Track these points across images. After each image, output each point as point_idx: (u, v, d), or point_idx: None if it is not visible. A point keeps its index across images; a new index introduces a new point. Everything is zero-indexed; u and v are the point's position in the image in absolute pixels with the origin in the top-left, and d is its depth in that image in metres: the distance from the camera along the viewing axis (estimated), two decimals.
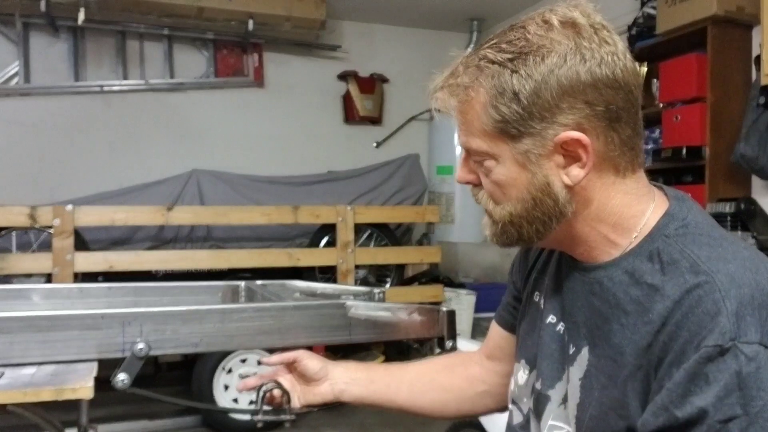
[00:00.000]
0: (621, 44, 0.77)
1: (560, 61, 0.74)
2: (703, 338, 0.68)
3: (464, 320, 4.10)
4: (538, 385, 0.91)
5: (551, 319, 0.90)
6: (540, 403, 0.90)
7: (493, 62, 0.76)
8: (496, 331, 1.10)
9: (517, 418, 0.97)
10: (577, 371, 0.83)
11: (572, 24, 0.75)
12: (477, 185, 0.84)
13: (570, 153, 0.77)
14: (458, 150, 5.20)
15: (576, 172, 0.78)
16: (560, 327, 0.89)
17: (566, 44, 0.74)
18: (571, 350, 0.85)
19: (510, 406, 1.00)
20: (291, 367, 1.14)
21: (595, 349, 0.81)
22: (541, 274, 0.97)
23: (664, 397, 0.70)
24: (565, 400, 0.86)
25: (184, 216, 3.72)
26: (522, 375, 0.96)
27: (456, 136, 5.12)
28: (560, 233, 0.82)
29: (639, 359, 0.75)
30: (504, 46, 0.76)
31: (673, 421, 0.69)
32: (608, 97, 0.75)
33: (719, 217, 3.04)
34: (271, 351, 1.20)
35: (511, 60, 0.75)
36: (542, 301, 0.94)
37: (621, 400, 0.76)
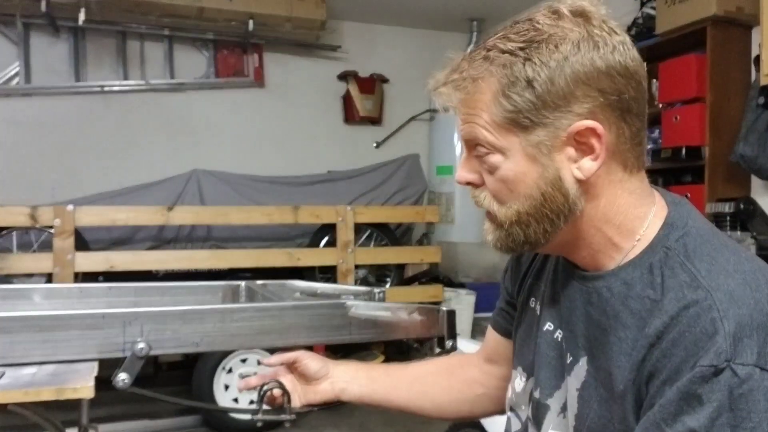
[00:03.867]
0: (627, 36, 0.76)
1: (574, 49, 0.72)
2: (699, 358, 0.67)
3: (464, 320, 4.10)
4: (536, 394, 0.89)
5: (549, 326, 0.89)
6: (539, 411, 0.88)
7: (503, 51, 0.74)
8: (492, 335, 1.09)
9: (515, 426, 0.96)
10: (574, 381, 0.82)
11: (582, 13, 0.74)
12: (478, 186, 0.80)
13: (582, 144, 0.75)
14: (458, 150, 5.23)
15: (588, 165, 0.75)
16: (558, 335, 0.87)
17: (578, 32, 0.73)
18: (569, 360, 0.83)
19: (508, 413, 0.98)
20: (292, 367, 1.13)
21: (594, 361, 0.79)
22: (537, 280, 0.95)
23: (656, 414, 0.69)
24: (564, 409, 0.84)
25: (184, 216, 3.73)
26: (519, 382, 0.95)
27: (456, 135, 5.15)
28: (566, 234, 0.79)
29: (633, 373, 0.73)
30: (513, 36, 0.74)
31: None
32: (620, 86, 0.73)
33: (719, 218, 3.04)
34: (272, 350, 1.20)
35: (522, 49, 0.73)
36: (539, 308, 0.92)
37: (621, 414, 0.74)
